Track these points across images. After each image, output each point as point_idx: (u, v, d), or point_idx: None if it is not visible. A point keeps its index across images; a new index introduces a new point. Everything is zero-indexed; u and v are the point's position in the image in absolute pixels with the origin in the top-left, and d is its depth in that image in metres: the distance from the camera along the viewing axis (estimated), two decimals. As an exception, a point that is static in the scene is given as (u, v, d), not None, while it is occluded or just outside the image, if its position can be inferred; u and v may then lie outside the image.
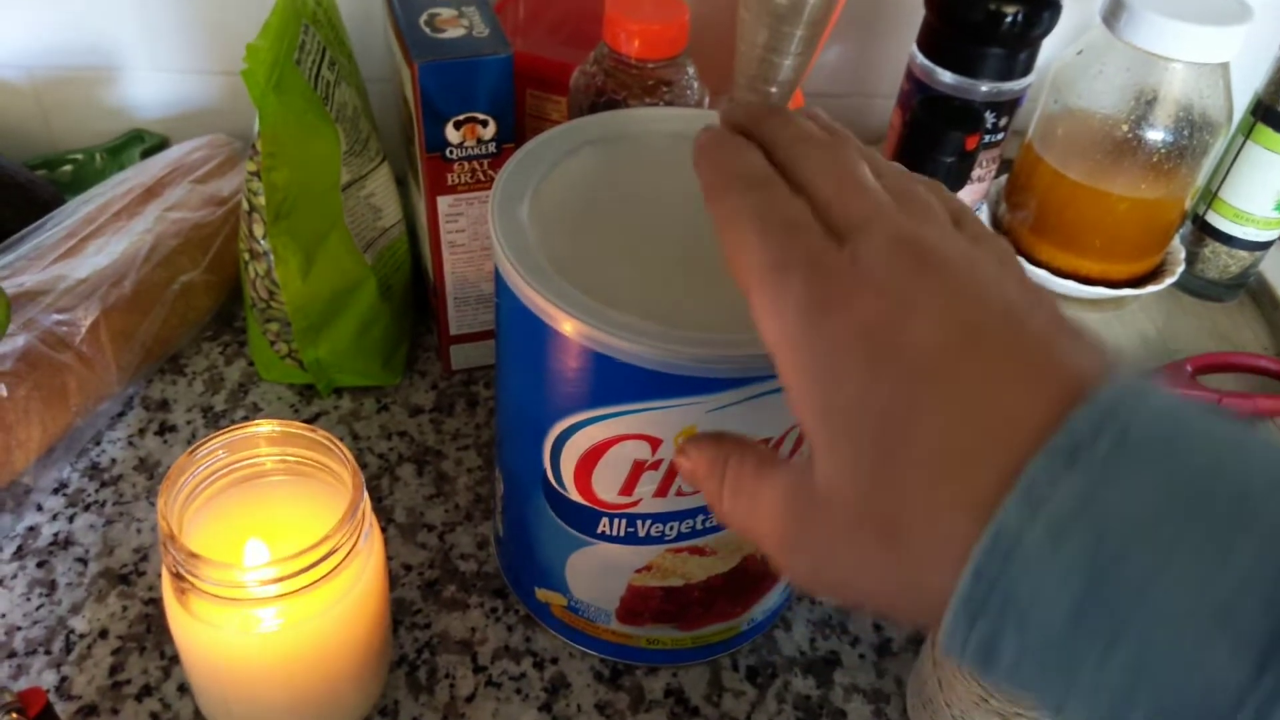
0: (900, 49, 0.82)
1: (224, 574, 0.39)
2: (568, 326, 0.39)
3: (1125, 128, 0.67)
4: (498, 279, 0.43)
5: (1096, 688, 0.23)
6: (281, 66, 0.53)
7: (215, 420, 0.63)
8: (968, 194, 0.71)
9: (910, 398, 0.26)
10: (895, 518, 0.26)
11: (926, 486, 0.25)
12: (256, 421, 0.43)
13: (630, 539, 0.45)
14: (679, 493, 0.43)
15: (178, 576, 0.40)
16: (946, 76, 0.66)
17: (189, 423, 0.62)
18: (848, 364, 0.27)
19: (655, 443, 0.41)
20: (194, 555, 0.38)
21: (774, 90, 0.70)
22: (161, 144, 0.79)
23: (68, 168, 0.76)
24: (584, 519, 0.45)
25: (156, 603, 0.53)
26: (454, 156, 0.56)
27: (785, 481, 0.30)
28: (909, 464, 0.25)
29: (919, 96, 0.67)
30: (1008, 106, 0.68)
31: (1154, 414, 0.24)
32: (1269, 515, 0.22)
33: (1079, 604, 0.23)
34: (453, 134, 0.55)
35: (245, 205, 0.58)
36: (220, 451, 0.43)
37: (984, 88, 0.66)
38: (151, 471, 0.59)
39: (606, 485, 0.43)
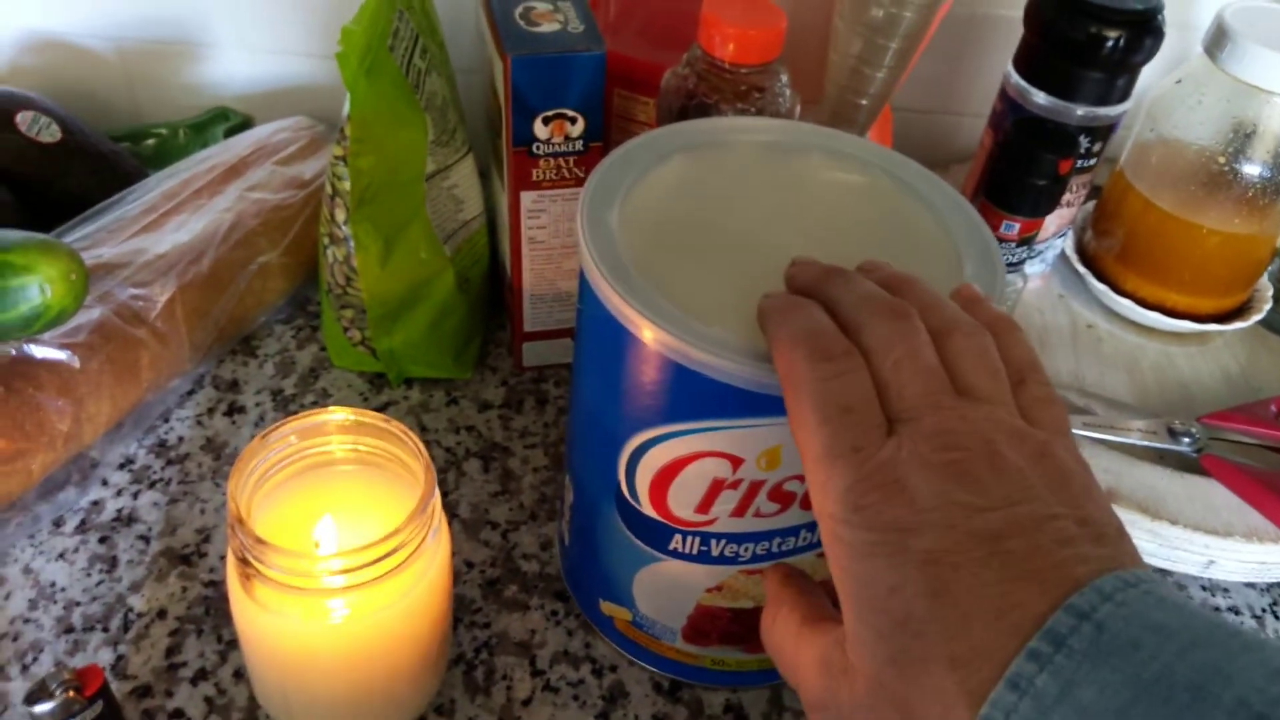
0: (993, 68, 0.81)
1: (292, 562, 0.38)
2: (650, 335, 0.38)
3: (1221, 160, 0.65)
4: (582, 283, 0.42)
5: None
6: (375, 51, 0.52)
7: (284, 404, 0.63)
8: (1056, 218, 0.70)
9: (926, 597, 0.29)
10: (908, 699, 0.29)
11: (936, 675, 0.28)
12: (330, 409, 0.43)
13: (703, 558, 0.44)
14: (757, 514, 0.42)
15: (243, 561, 0.39)
16: (1041, 98, 0.65)
17: (258, 405, 0.62)
18: (877, 558, 0.30)
19: (736, 461, 0.40)
20: (261, 541, 0.38)
21: (864, 102, 0.69)
22: (245, 123, 0.80)
23: (151, 141, 0.77)
24: (656, 534, 0.44)
25: (216, 585, 0.53)
26: (540, 152, 0.55)
27: (822, 645, 0.33)
28: (920, 657, 0.29)
29: (1013, 117, 0.65)
30: (1102, 132, 0.66)
31: (1129, 614, 0.27)
32: (1224, 704, 0.24)
33: None
34: (541, 129, 0.54)
35: (329, 189, 0.58)
36: (292, 437, 0.43)
37: (1079, 111, 0.64)
38: (218, 452, 0.59)
39: (682, 502, 0.42)
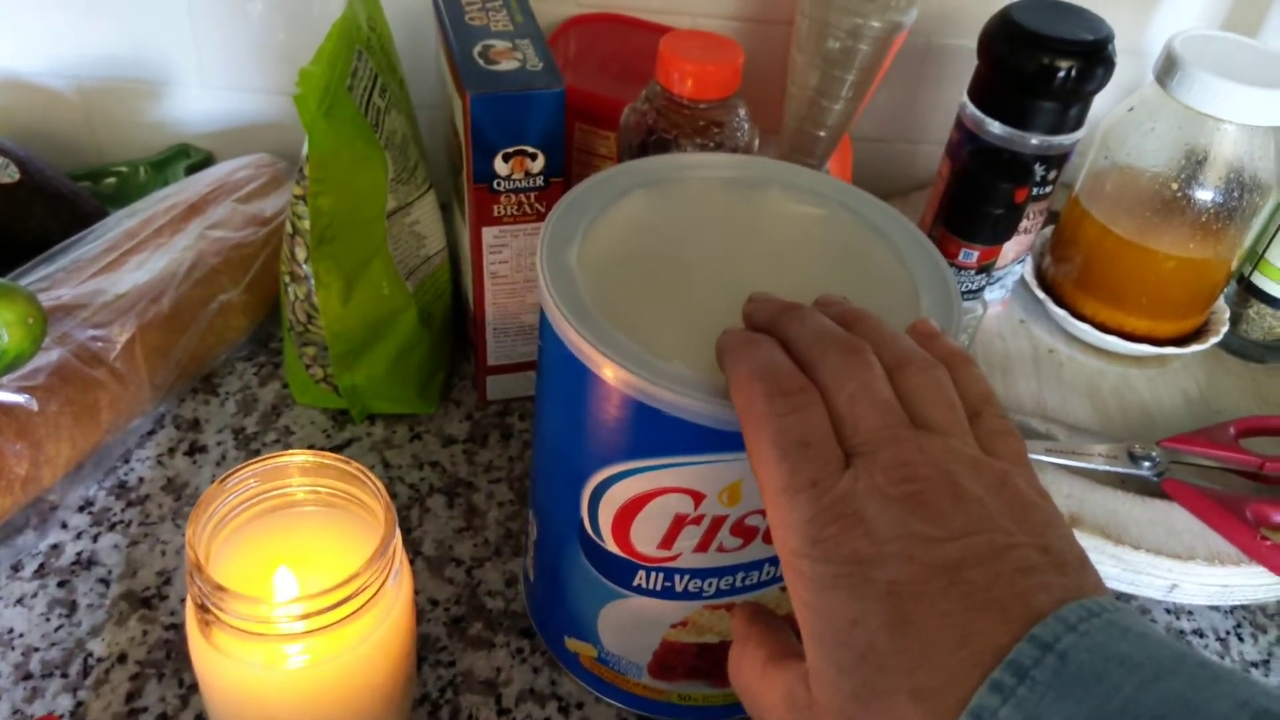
0: (949, 97, 0.82)
1: (251, 608, 0.38)
2: (610, 374, 0.38)
3: (1175, 186, 0.66)
4: (543, 321, 0.42)
5: None
6: (334, 92, 0.52)
7: (246, 442, 0.62)
8: (1014, 245, 0.70)
9: (888, 629, 0.29)
10: None
11: (899, 708, 0.28)
12: (290, 451, 0.43)
13: (667, 593, 0.44)
14: (720, 548, 0.42)
15: (202, 608, 0.39)
16: (996, 127, 0.66)
17: (219, 444, 0.62)
18: (838, 590, 0.30)
19: (698, 497, 0.40)
20: (220, 588, 0.38)
21: (822, 134, 0.69)
22: (207, 160, 0.79)
23: (112, 180, 0.76)
24: (620, 570, 0.44)
25: (177, 628, 0.52)
26: (501, 188, 0.56)
27: (787, 681, 0.33)
28: (883, 690, 0.28)
29: (969, 147, 0.66)
30: (1058, 160, 0.67)
31: (1092, 645, 0.26)
32: None
33: None
34: (501, 166, 0.55)
35: (289, 228, 0.58)
36: (251, 480, 0.42)
37: (1034, 140, 0.65)
38: (179, 492, 0.59)
39: (646, 538, 0.42)
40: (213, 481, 0.58)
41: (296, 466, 0.43)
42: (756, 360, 0.35)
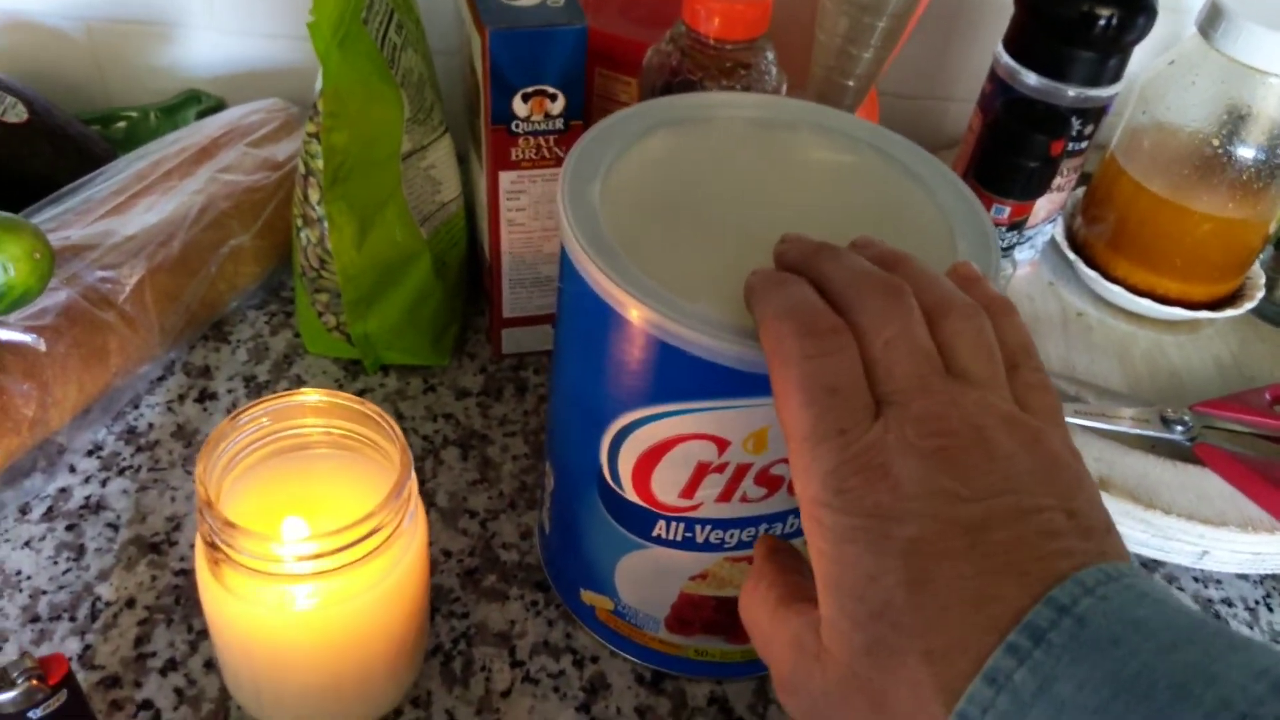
0: (981, 51, 0.80)
1: (261, 546, 0.37)
2: (636, 313, 0.37)
3: (1215, 143, 0.65)
4: (563, 261, 0.41)
5: None
6: (348, 22, 0.51)
7: (257, 391, 0.61)
8: (1046, 203, 0.69)
9: (905, 586, 0.28)
10: (881, 690, 0.28)
11: (911, 667, 0.27)
12: (303, 390, 0.42)
13: (688, 544, 0.43)
14: (743, 498, 0.41)
15: (212, 546, 0.38)
16: (1032, 79, 0.64)
17: (230, 391, 0.61)
18: (857, 544, 0.29)
19: (722, 444, 0.39)
20: (231, 524, 0.37)
21: (850, 84, 0.67)
22: (218, 105, 0.78)
23: (122, 124, 0.75)
24: (640, 520, 0.43)
25: (187, 574, 0.51)
26: (520, 130, 0.54)
27: (797, 625, 0.32)
28: (896, 648, 0.28)
29: (1003, 98, 0.64)
30: (1094, 114, 0.65)
31: (1110, 609, 0.26)
32: (1205, 704, 0.24)
33: None
34: (520, 107, 0.53)
35: (302, 168, 0.56)
36: (264, 419, 0.41)
37: (1071, 93, 0.63)
38: (189, 439, 0.58)
39: (666, 486, 0.41)
40: (223, 423, 0.58)
41: (310, 406, 0.42)
42: (788, 300, 0.33)
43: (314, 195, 0.56)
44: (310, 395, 0.41)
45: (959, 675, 0.26)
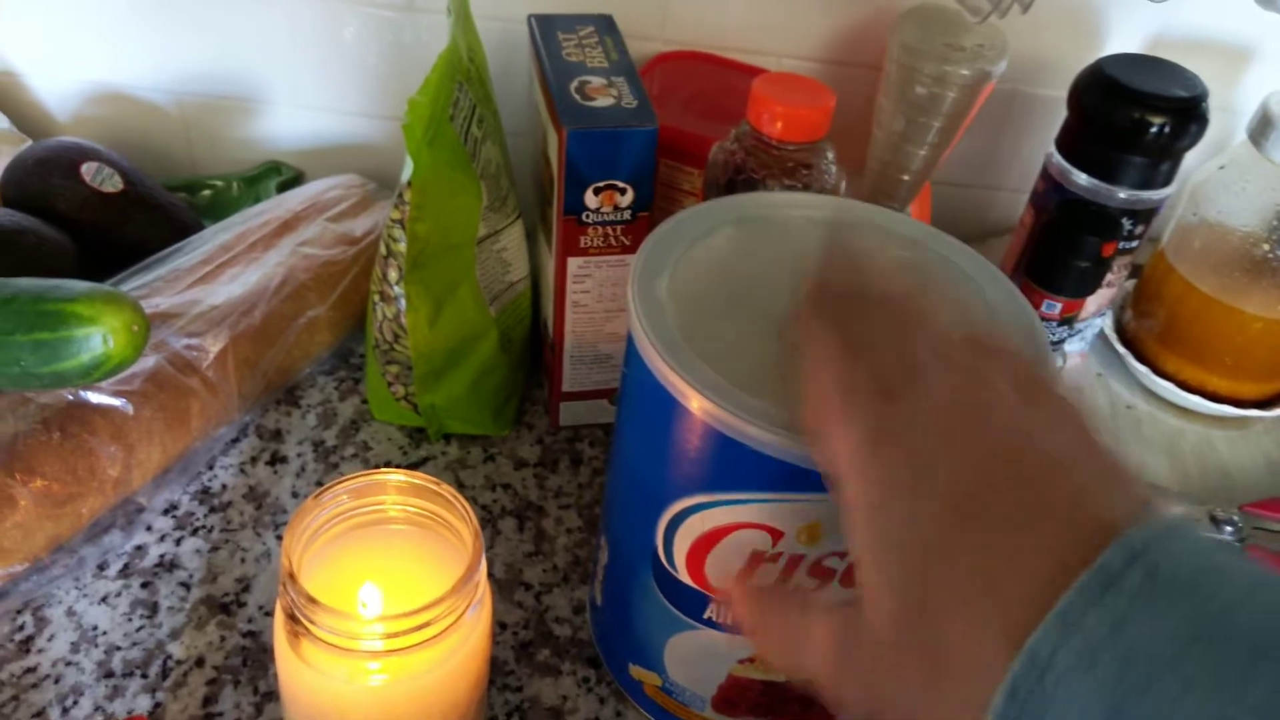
0: (1032, 146, 0.82)
1: (340, 623, 0.39)
2: (696, 405, 0.39)
3: (1266, 246, 0.66)
4: (630, 349, 0.43)
5: None
6: (438, 123, 0.54)
7: (325, 455, 0.63)
8: (1095, 298, 0.70)
9: (949, 533, 0.28)
10: (935, 644, 0.28)
11: (964, 616, 0.27)
12: (383, 470, 0.44)
13: (738, 629, 0.44)
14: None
15: (292, 618, 0.40)
16: (1083, 179, 0.65)
17: (299, 455, 0.63)
18: (895, 495, 0.30)
19: (776, 535, 0.40)
20: (313, 600, 0.39)
21: (906, 178, 0.69)
22: (296, 177, 0.81)
23: (207, 192, 0.79)
24: (692, 602, 0.45)
25: (254, 635, 0.53)
26: (589, 220, 0.57)
27: (835, 618, 0.33)
28: (948, 595, 0.28)
29: (1057, 199, 0.66)
30: (1145, 215, 0.66)
31: (1182, 555, 0.26)
32: None
33: None
34: (591, 199, 0.56)
35: (383, 250, 0.59)
36: (344, 496, 0.43)
37: (1122, 194, 0.65)
38: (260, 501, 0.60)
39: (720, 571, 0.43)
40: (292, 492, 0.60)
41: (391, 485, 0.44)
42: (817, 332, 0.36)
43: (393, 275, 0.59)
44: (391, 475, 0.44)
45: (1016, 617, 0.26)
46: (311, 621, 0.39)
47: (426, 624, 0.39)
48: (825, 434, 0.33)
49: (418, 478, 0.43)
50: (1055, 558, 0.26)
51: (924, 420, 0.31)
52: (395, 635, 0.39)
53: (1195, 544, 0.26)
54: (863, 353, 0.35)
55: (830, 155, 0.58)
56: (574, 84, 0.56)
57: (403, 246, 0.57)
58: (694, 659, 0.47)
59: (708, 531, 0.42)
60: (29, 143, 0.73)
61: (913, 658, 0.29)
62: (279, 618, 0.41)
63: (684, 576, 0.44)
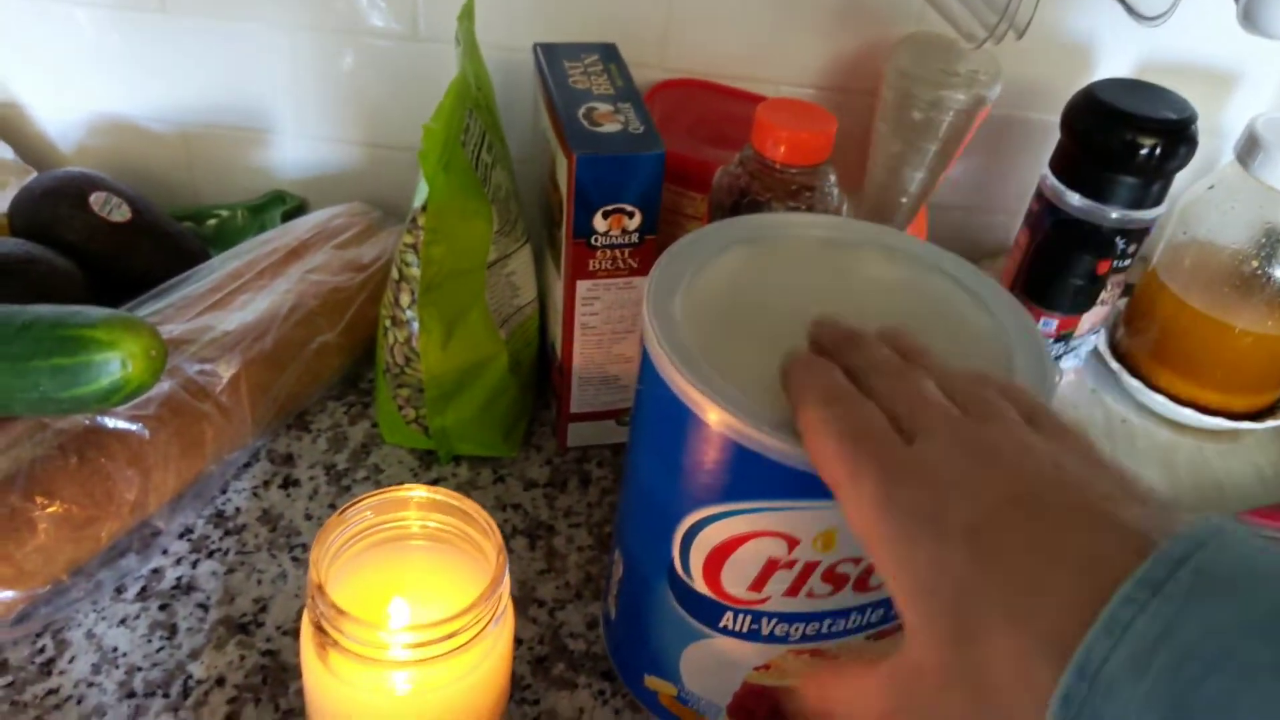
0: (1026, 169, 0.83)
1: (368, 633, 0.40)
2: (714, 417, 0.40)
3: (1254, 263, 0.67)
4: (644, 365, 0.44)
5: None
6: (451, 148, 0.55)
7: (337, 478, 0.64)
8: (1090, 316, 0.72)
9: (976, 564, 0.29)
10: (980, 672, 0.29)
11: (1005, 637, 0.28)
12: (406, 486, 0.45)
13: (753, 636, 0.45)
14: (810, 594, 0.43)
15: (320, 630, 0.41)
16: (1076, 200, 0.67)
17: (311, 478, 0.64)
18: (918, 544, 0.31)
19: (793, 542, 0.41)
20: (341, 611, 0.39)
21: (904, 200, 0.71)
22: (300, 206, 0.83)
23: (213, 221, 0.80)
24: (708, 611, 0.46)
25: (274, 655, 0.54)
26: (598, 244, 0.58)
27: (885, 664, 0.33)
28: (987, 621, 0.28)
29: (1051, 219, 0.67)
30: (1137, 234, 0.68)
31: (1230, 553, 0.26)
32: None
33: None
34: (600, 223, 0.57)
35: (395, 274, 0.60)
36: (368, 512, 0.44)
37: (1114, 214, 0.66)
38: (274, 523, 0.61)
39: (736, 580, 0.44)
40: (305, 514, 0.61)
41: (413, 501, 0.45)
42: (816, 380, 0.37)
43: (405, 299, 0.60)
44: (414, 491, 0.45)
45: (1059, 630, 0.27)
46: (340, 632, 0.39)
47: (452, 634, 0.40)
48: (839, 487, 0.34)
49: (440, 493, 0.44)
50: (1091, 573, 0.27)
51: (935, 459, 0.32)
52: (421, 645, 0.40)
53: (1241, 544, 0.27)
54: (866, 391, 0.36)
55: (832, 178, 0.59)
56: (581, 110, 0.57)
57: (415, 271, 0.58)
58: (710, 667, 0.48)
59: (725, 541, 0.43)
60: (34, 174, 0.74)
61: (960, 694, 0.30)
62: (306, 630, 0.42)
63: (700, 586, 0.45)
